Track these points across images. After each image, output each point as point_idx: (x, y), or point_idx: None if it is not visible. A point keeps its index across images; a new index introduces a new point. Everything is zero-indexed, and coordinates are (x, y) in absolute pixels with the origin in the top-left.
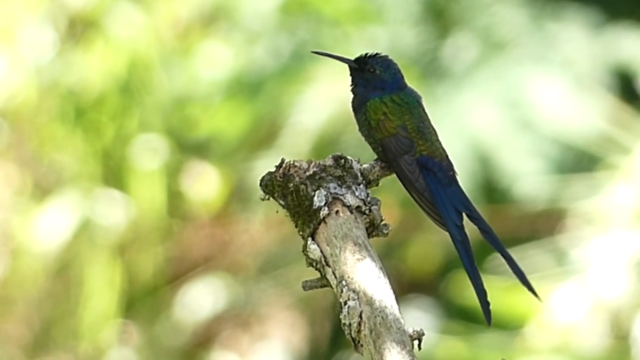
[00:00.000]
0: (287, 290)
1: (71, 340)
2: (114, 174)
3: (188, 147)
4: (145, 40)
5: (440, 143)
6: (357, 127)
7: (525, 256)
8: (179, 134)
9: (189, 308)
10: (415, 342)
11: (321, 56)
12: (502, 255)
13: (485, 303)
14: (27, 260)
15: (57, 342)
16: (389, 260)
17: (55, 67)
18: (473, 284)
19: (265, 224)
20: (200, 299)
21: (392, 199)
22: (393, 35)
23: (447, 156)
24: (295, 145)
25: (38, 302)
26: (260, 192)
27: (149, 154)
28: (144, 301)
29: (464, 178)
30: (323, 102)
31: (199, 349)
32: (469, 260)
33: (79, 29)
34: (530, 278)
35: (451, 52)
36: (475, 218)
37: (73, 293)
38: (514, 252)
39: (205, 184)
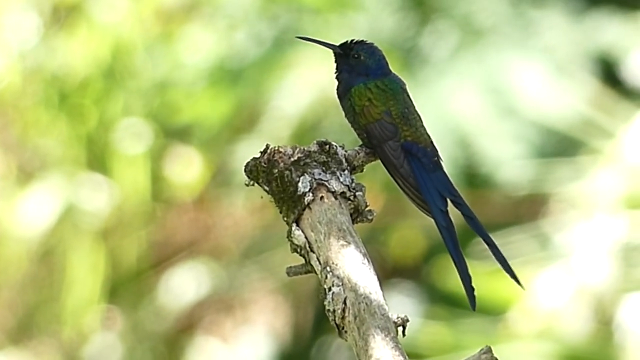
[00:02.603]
0: (271, 275)
1: (55, 325)
2: (98, 158)
3: (171, 132)
4: (129, 25)
5: (424, 129)
6: (341, 113)
7: (509, 241)
8: (162, 119)
9: (173, 293)
10: (400, 329)
11: (302, 42)
12: (485, 241)
13: (469, 288)
14: (11, 245)
15: (41, 327)
16: (372, 245)
17: (39, 52)
18: (458, 270)
19: (248, 209)
20: (184, 283)
21: (376, 184)
22: (373, 23)
23: (431, 142)
24: (275, 131)
25: (22, 287)
26: (245, 178)
27: (132, 138)
28: (127, 286)
29: (446, 163)
30: (304, 88)
31: (183, 333)
32: (454, 246)
33: (62, 14)
34: (513, 263)
35: (431, 39)
36: (459, 204)
37: (56, 278)
38: (497, 237)
39: (188, 168)
